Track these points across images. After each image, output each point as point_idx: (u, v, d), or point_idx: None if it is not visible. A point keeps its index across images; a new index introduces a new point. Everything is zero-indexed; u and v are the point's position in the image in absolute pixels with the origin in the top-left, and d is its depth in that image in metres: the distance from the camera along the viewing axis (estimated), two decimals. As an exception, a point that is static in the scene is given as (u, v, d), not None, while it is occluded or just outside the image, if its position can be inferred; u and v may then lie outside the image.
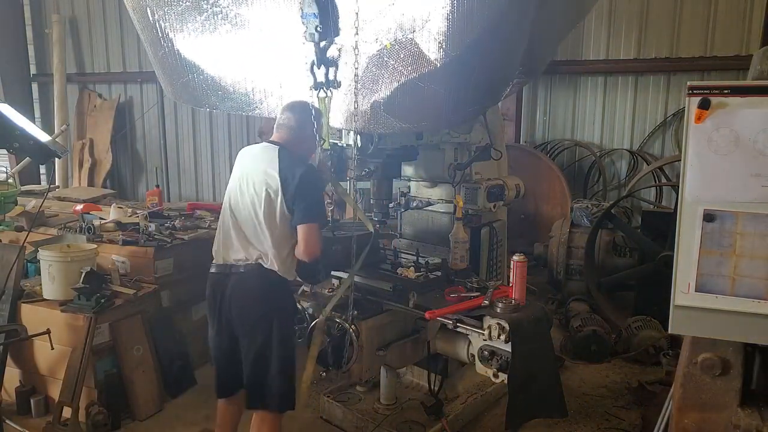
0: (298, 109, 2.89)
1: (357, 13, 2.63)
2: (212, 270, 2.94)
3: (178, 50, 3.24)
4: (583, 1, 3.24)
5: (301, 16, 2.61)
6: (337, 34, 2.68)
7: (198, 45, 3.18)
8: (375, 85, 2.72)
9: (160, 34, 3.23)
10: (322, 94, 2.78)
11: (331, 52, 2.71)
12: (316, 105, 2.82)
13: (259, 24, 2.98)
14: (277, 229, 2.80)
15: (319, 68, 2.72)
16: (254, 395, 2.89)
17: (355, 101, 2.76)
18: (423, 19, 2.52)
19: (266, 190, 2.78)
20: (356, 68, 2.71)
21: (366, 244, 2.97)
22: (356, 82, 2.74)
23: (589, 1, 3.35)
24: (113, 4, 8.67)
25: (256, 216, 2.81)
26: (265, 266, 2.81)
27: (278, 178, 2.76)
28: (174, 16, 3.14)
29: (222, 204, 3.00)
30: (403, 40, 2.59)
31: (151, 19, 3.22)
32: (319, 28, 2.61)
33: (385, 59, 2.65)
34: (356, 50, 2.68)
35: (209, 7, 3.03)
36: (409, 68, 2.60)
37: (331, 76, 2.74)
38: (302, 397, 3.07)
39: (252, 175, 2.85)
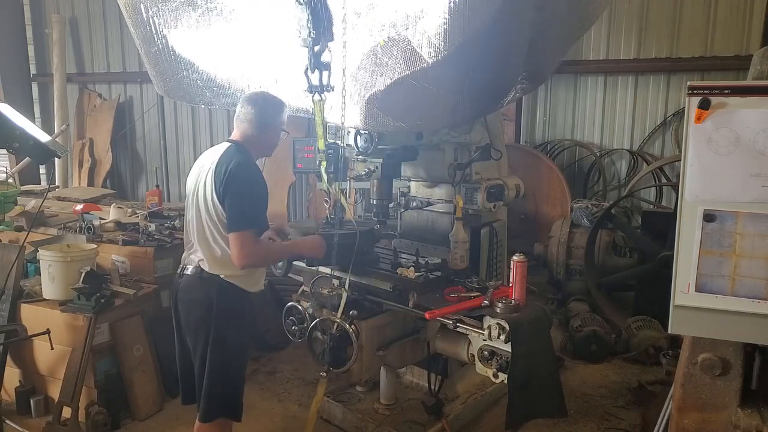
0: (260, 101, 2.79)
1: (345, 15, 2.64)
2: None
3: (172, 47, 3.24)
4: (588, 10, 3.21)
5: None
6: (331, 39, 2.69)
7: (192, 41, 3.18)
8: (369, 82, 2.72)
9: (154, 31, 3.23)
10: (317, 97, 2.78)
11: (325, 57, 2.72)
12: (301, 105, 2.82)
13: (254, 20, 2.99)
14: (214, 231, 2.71)
15: (312, 72, 2.73)
16: (200, 405, 2.83)
17: (343, 101, 2.76)
18: (415, 16, 2.51)
19: (204, 190, 2.72)
20: (344, 70, 2.72)
21: (352, 242, 2.98)
22: (344, 83, 2.74)
23: (595, 9, 3.33)
24: (113, 4, 8.58)
25: (198, 218, 2.76)
26: (207, 270, 2.74)
27: (213, 177, 2.67)
28: (168, 13, 3.14)
29: None
30: (396, 37, 2.58)
31: (144, 15, 3.22)
32: (312, 34, 2.62)
33: (379, 56, 2.64)
34: (344, 50, 2.69)
35: (204, 3, 3.03)
36: (402, 66, 2.59)
37: (324, 80, 2.75)
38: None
39: (198, 175, 2.79)
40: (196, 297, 2.78)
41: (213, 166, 2.70)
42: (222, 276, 2.73)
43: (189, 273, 2.81)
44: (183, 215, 4.87)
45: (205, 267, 2.74)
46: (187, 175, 2.93)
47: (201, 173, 2.78)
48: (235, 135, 2.83)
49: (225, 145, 2.79)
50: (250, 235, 2.63)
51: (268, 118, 2.79)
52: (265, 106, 2.79)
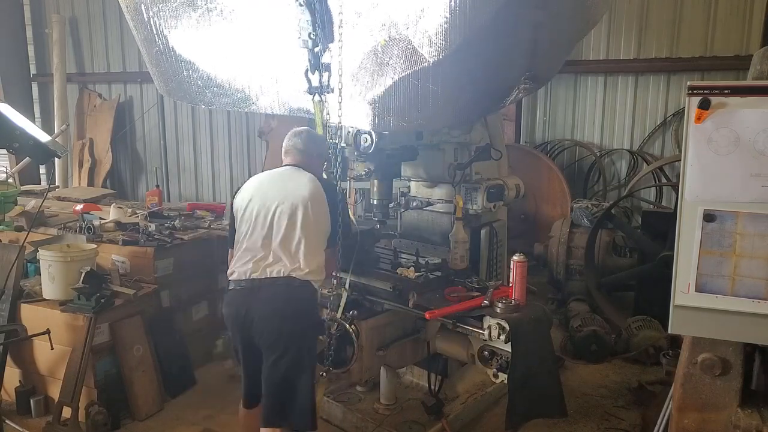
0: (304, 134, 3.04)
1: (341, 20, 2.65)
2: (234, 287, 2.89)
3: (172, 47, 3.24)
4: (590, 11, 3.21)
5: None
6: (331, 40, 2.69)
7: (193, 41, 3.18)
8: (370, 82, 2.72)
9: (155, 31, 3.23)
10: (317, 98, 2.79)
11: (325, 58, 2.72)
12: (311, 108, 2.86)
13: (254, 20, 2.99)
14: (317, 244, 2.87)
15: (313, 74, 2.74)
16: (276, 413, 2.81)
17: (340, 98, 2.76)
18: (416, 15, 2.51)
19: (307, 204, 2.84)
20: (340, 73, 2.73)
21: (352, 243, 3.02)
22: (340, 83, 2.75)
23: (597, 11, 3.32)
24: (113, 4, 8.64)
25: (304, 230, 2.83)
26: (300, 278, 2.80)
27: (323, 193, 2.87)
28: (168, 13, 3.14)
29: (240, 222, 2.96)
30: (397, 36, 2.58)
31: (145, 16, 3.22)
32: (312, 35, 2.62)
33: (380, 56, 2.65)
34: (340, 55, 2.70)
35: (204, 3, 3.03)
36: (403, 65, 2.60)
37: (325, 81, 2.75)
38: None
39: (285, 192, 2.88)
40: (293, 307, 2.80)
41: (314, 185, 2.88)
42: (315, 282, 2.86)
43: (279, 284, 2.79)
44: (184, 215, 4.93)
45: (299, 275, 2.80)
46: (238, 190, 3.06)
47: (290, 192, 2.88)
48: (291, 161, 3.03)
49: (295, 168, 2.99)
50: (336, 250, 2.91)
51: (311, 147, 3.04)
52: (309, 135, 3.04)
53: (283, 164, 3.05)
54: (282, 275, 2.78)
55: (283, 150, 3.07)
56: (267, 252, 2.84)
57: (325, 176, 3.05)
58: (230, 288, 2.91)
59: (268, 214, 2.87)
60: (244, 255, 2.88)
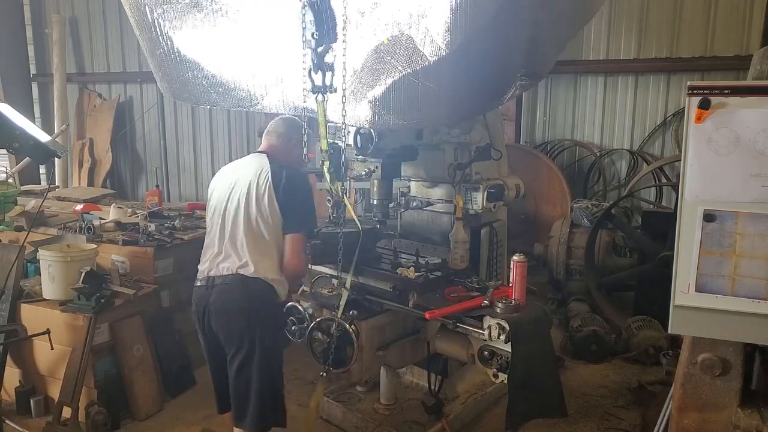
0: (288, 120, 3.04)
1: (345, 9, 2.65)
2: (197, 284, 2.93)
3: (177, 48, 3.23)
4: (586, 4, 3.22)
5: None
6: (334, 40, 2.69)
7: (197, 42, 3.18)
8: (372, 80, 2.72)
9: (159, 32, 3.23)
10: (320, 98, 2.79)
11: (329, 58, 2.73)
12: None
13: (259, 20, 2.99)
14: (265, 236, 2.79)
15: (316, 73, 2.74)
16: (238, 411, 2.85)
17: (344, 97, 2.76)
18: (419, 14, 2.52)
19: (256, 195, 2.79)
20: (344, 74, 2.72)
21: (354, 241, 2.99)
22: (344, 84, 2.75)
23: (593, 4, 3.33)
24: (113, 4, 8.66)
25: (246, 224, 2.81)
26: (249, 275, 2.78)
27: (270, 181, 2.78)
28: (173, 14, 3.14)
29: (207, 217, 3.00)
30: (400, 35, 2.59)
31: (149, 17, 3.22)
32: (315, 35, 2.62)
33: (382, 55, 2.65)
34: (344, 45, 2.69)
35: (209, 4, 3.03)
36: (405, 64, 2.60)
37: (328, 81, 2.75)
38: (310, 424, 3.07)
39: (242, 182, 2.85)
40: (239, 306, 2.78)
41: (265, 174, 2.80)
42: (268, 279, 2.79)
43: (227, 282, 2.80)
44: (184, 215, 4.93)
45: (248, 272, 2.77)
46: (209, 184, 3.05)
47: (245, 182, 2.84)
48: (265, 146, 3.01)
49: (260, 155, 2.94)
50: (304, 238, 2.81)
51: (291, 132, 3.04)
52: (291, 121, 3.05)
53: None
54: (231, 272, 2.80)
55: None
56: (220, 248, 2.87)
57: (327, 174, 3.02)
58: (194, 286, 2.96)
59: (221, 208, 2.89)
60: (205, 252, 2.94)
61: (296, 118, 3.00)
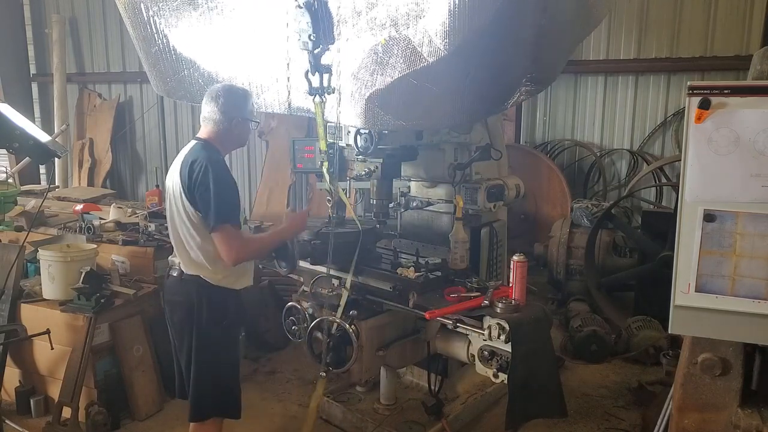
0: (221, 95, 2.73)
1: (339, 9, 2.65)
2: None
3: (173, 46, 3.24)
4: (591, 12, 3.21)
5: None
6: (332, 42, 2.70)
7: (193, 40, 3.18)
8: (370, 81, 2.72)
9: (154, 30, 3.23)
10: (317, 99, 2.79)
11: (326, 59, 2.73)
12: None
13: (255, 18, 2.99)
14: (189, 232, 2.72)
15: (313, 75, 2.74)
16: (191, 404, 2.88)
17: (339, 97, 2.77)
18: (416, 15, 2.52)
19: (173, 191, 2.76)
20: (339, 76, 2.73)
21: (354, 241, 3.00)
22: (339, 86, 2.75)
23: (599, 11, 3.32)
24: (113, 4, 8.49)
25: (173, 220, 2.80)
26: (186, 272, 2.78)
27: (179, 177, 2.69)
28: (168, 12, 3.14)
29: None
30: (397, 36, 2.59)
31: (144, 15, 3.22)
32: (312, 37, 2.63)
33: (380, 55, 2.65)
34: (339, 48, 2.70)
35: (204, 2, 3.03)
36: (403, 64, 2.60)
37: (325, 83, 2.76)
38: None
39: (171, 180, 2.81)
40: (177, 299, 2.83)
41: (179, 166, 2.73)
42: (202, 277, 2.75)
43: (174, 275, 2.86)
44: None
45: (185, 269, 2.79)
46: None
47: (172, 179, 2.80)
48: (202, 133, 2.82)
49: (191, 143, 2.81)
50: (231, 229, 2.63)
51: (231, 111, 2.74)
52: (227, 99, 2.73)
53: None
54: (177, 267, 2.85)
55: None
56: (173, 243, 2.89)
57: (327, 174, 3.01)
58: None
59: (167, 205, 2.87)
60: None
61: (232, 86, 2.83)
